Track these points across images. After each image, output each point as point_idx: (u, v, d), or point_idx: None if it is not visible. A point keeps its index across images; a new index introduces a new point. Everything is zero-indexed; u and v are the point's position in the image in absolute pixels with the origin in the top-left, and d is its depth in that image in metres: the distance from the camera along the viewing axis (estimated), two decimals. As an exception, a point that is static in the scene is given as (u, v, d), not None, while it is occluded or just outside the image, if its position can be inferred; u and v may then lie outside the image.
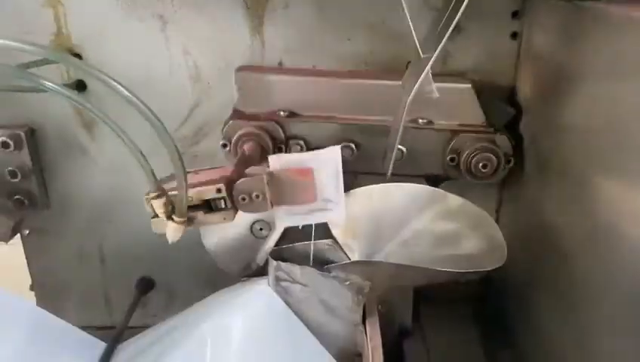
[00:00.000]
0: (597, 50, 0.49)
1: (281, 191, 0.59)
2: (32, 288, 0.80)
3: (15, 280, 0.77)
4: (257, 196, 0.56)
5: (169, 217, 0.49)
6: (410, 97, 0.49)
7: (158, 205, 0.48)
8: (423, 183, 0.62)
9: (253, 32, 0.67)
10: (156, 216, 0.51)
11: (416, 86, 0.48)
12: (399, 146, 0.64)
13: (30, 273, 0.80)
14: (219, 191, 0.54)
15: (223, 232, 0.69)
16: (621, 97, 0.46)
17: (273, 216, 0.61)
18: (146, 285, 0.78)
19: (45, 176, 0.73)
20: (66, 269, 0.79)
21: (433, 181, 0.65)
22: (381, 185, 0.58)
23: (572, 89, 0.54)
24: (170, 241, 0.50)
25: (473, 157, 0.61)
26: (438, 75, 0.51)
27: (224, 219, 0.55)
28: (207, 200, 0.54)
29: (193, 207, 0.54)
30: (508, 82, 0.67)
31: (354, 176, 0.65)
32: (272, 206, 0.59)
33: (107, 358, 0.64)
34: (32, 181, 0.72)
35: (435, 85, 0.50)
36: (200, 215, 0.54)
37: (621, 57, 0.45)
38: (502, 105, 0.64)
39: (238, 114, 0.68)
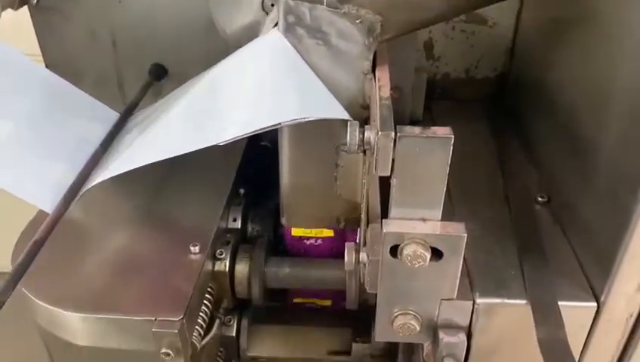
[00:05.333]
0: None
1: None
2: (46, 73, 0.81)
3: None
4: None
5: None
6: None
7: None
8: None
9: None
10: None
11: None
12: None
13: (43, 57, 0.80)
14: None
15: (234, 12, 0.66)
16: None
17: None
18: (158, 71, 0.78)
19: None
20: (78, 52, 0.78)
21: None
22: None
23: None
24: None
25: None
26: None
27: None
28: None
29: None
30: None
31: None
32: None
33: (121, 124, 0.66)
34: (37, -52, 0.69)
35: None
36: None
37: None
38: None
39: None
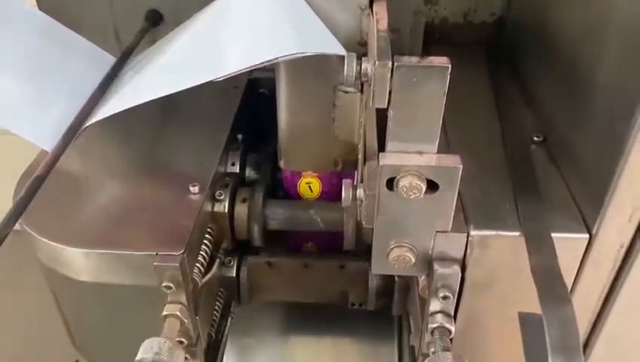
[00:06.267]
0: None
1: None
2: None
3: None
4: None
5: None
6: None
7: None
8: None
9: None
10: None
11: None
12: None
13: (38, 5, 0.79)
14: None
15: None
16: None
17: None
18: (154, 17, 0.77)
19: None
20: (74, 0, 0.77)
21: None
22: None
23: None
24: None
25: None
26: None
27: None
28: None
29: None
30: None
31: None
32: None
33: (118, 68, 0.66)
34: None
35: None
36: None
37: None
38: None
39: None
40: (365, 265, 0.66)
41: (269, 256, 0.67)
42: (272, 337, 0.85)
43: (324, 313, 0.84)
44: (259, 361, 0.84)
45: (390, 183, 0.45)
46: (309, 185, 0.72)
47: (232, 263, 0.67)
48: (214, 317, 0.64)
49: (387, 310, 0.85)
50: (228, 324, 0.69)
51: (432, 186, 0.45)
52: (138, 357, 0.48)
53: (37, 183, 0.49)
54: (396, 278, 0.67)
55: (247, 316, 0.85)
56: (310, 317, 0.84)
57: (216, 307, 0.65)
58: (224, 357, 0.79)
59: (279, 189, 0.71)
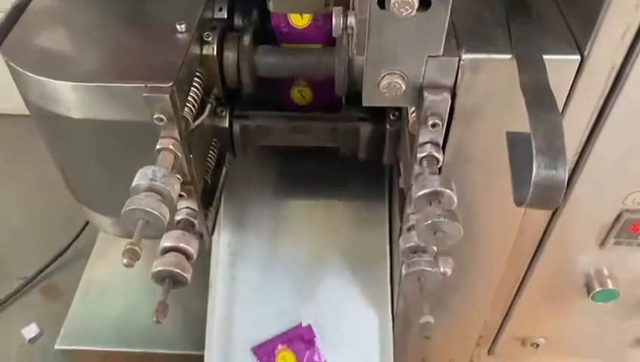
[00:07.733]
0: None
1: None
2: None
3: None
4: None
5: None
6: None
7: None
8: None
9: None
10: None
11: None
12: None
13: None
14: None
15: None
16: None
17: None
18: None
19: None
20: None
21: None
22: None
23: None
24: None
25: None
26: None
27: None
28: None
29: None
30: None
31: None
32: None
33: None
34: None
35: None
36: None
37: None
38: None
39: None
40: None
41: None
42: (267, 198, 0.87)
43: (317, 173, 0.86)
44: (254, 222, 0.86)
45: (382, 1, 0.44)
46: (301, 92, 0.72)
47: (224, 113, 0.67)
48: (209, 164, 0.65)
49: (378, 174, 0.87)
50: (223, 173, 0.70)
51: (424, 4, 0.44)
52: (133, 183, 0.49)
53: (16, 12, 0.48)
54: (387, 126, 0.68)
55: (242, 183, 0.86)
56: (303, 176, 0.86)
57: (210, 154, 0.66)
58: (221, 221, 0.81)
59: (268, 38, 0.70)
